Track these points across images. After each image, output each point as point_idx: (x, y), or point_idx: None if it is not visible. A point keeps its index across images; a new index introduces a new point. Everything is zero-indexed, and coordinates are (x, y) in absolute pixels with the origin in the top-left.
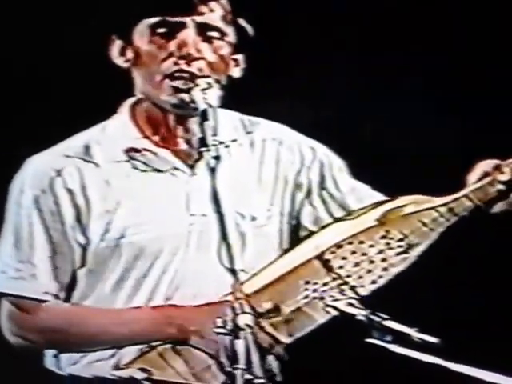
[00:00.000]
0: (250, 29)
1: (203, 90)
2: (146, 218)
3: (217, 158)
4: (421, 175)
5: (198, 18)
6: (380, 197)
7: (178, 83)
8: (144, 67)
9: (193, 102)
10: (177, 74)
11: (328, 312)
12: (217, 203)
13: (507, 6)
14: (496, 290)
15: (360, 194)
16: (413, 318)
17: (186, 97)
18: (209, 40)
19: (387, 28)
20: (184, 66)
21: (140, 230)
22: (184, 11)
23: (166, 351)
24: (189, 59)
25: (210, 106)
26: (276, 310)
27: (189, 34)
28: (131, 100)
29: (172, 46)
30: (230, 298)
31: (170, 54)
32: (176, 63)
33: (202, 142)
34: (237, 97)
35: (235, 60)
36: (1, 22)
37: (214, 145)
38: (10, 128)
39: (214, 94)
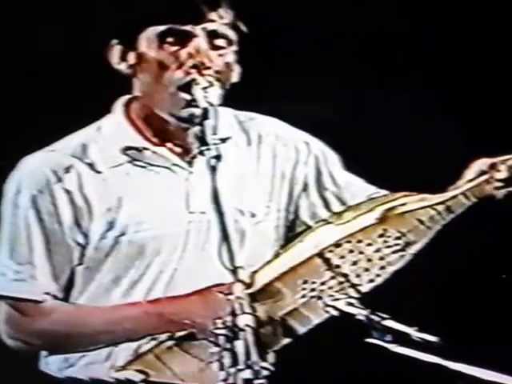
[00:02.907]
0: (245, 28)
1: (204, 88)
2: (146, 216)
3: (217, 157)
4: (418, 173)
5: (209, 26)
6: (374, 190)
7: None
8: (152, 74)
9: (193, 100)
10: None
11: (327, 312)
12: (217, 201)
13: (507, 5)
14: (494, 287)
15: (356, 188)
16: (411, 316)
17: (187, 96)
18: (217, 48)
19: (387, 27)
20: (196, 76)
21: (140, 228)
22: (192, 18)
23: (163, 353)
24: (201, 68)
25: (211, 104)
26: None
27: (200, 43)
28: (124, 98)
29: (184, 54)
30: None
31: (182, 64)
32: (188, 73)
33: (202, 141)
34: (235, 95)
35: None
36: (1, 22)
37: (215, 144)
38: (9, 128)
39: (216, 93)
